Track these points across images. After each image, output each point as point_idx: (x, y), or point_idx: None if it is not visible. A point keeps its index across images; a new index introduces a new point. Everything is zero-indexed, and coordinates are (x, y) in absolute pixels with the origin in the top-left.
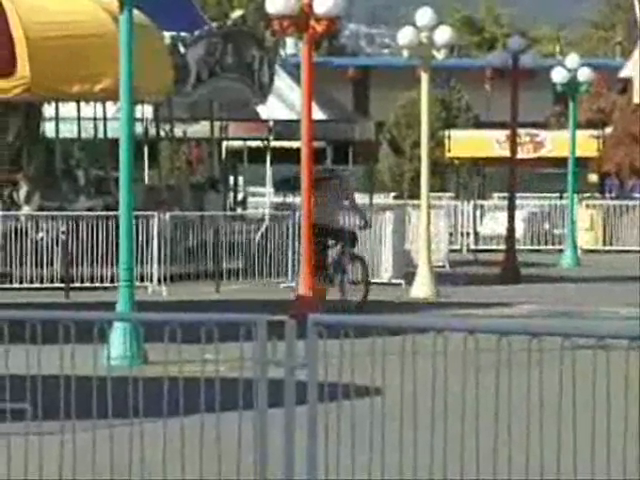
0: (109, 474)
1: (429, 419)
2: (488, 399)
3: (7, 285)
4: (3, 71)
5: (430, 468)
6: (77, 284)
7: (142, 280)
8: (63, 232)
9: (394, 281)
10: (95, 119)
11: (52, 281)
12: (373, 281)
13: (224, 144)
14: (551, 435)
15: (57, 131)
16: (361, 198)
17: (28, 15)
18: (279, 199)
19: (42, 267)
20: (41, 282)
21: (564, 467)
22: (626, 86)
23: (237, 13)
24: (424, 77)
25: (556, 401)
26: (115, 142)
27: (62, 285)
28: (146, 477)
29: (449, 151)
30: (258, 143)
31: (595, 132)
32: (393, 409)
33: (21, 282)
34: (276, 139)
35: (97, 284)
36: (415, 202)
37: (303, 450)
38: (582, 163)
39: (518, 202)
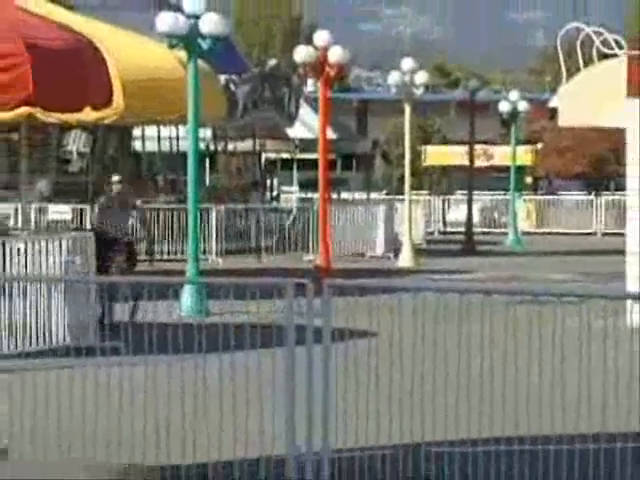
0: (180, 396)
1: (411, 353)
2: (453, 341)
3: None
4: (104, 103)
5: (411, 389)
6: (158, 257)
7: (204, 253)
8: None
9: (385, 255)
10: (170, 138)
11: (139, 254)
12: (370, 255)
13: (263, 156)
14: (498, 367)
15: (143, 147)
16: (360, 195)
17: (121, 62)
18: (303, 195)
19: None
20: None
21: (508, 388)
22: (554, 114)
23: (272, 62)
24: (407, 108)
25: (503, 340)
26: (185, 155)
27: (147, 257)
28: (208, 397)
29: (425, 161)
30: (287, 155)
31: (530, 147)
32: (384, 347)
33: None
34: (300, 152)
35: (172, 257)
36: (400, 197)
37: (320, 374)
38: (521, 169)
39: (475, 197)
